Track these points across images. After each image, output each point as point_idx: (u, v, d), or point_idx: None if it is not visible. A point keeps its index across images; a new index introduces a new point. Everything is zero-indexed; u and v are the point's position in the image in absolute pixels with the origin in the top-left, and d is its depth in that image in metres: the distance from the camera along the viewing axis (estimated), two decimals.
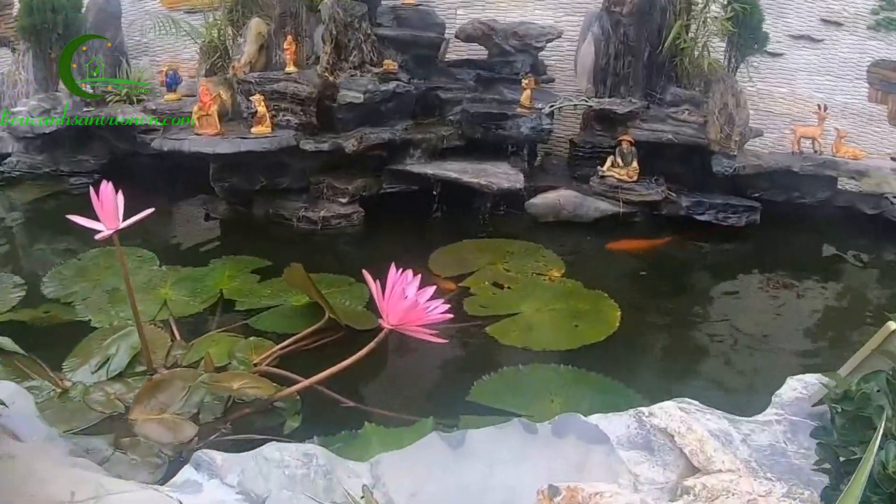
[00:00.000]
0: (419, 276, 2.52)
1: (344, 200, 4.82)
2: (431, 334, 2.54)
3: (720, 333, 3.69)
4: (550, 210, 4.96)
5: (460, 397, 2.93)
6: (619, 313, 3.61)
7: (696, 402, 2.14)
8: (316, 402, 2.81)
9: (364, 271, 2.63)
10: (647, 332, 3.68)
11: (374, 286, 2.56)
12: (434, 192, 4.90)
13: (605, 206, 4.94)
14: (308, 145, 4.69)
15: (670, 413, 2.01)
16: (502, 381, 3.04)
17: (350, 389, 2.90)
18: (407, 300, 2.49)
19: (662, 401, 2.11)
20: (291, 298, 3.65)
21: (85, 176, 5.48)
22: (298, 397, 2.80)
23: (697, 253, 4.81)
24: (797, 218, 5.14)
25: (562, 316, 3.60)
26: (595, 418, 2.04)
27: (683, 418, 1.99)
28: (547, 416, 2.15)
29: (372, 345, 2.60)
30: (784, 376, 2.25)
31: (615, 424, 2.01)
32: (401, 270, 2.50)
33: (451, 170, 4.85)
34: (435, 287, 2.59)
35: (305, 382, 2.80)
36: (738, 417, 2.08)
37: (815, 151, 5.16)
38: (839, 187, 5.21)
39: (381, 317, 2.57)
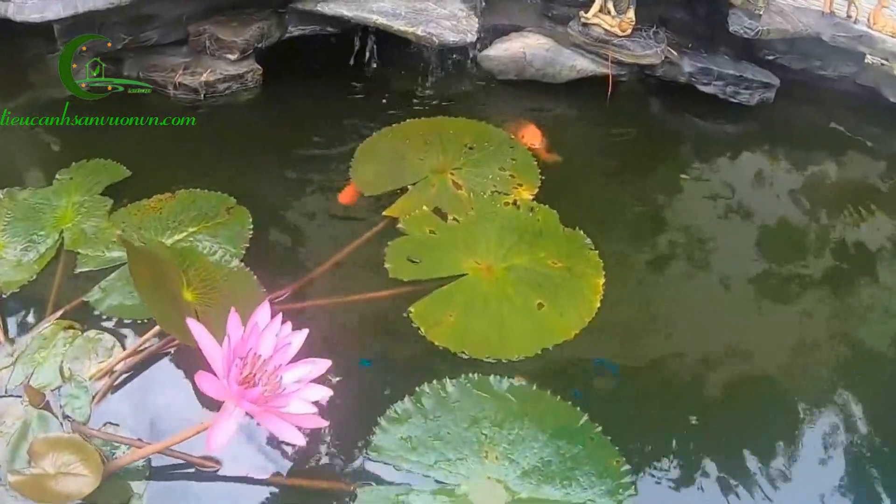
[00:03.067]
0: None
1: (233, 56, 3.51)
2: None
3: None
4: (513, 66, 3.76)
5: (361, 448, 2.10)
6: (601, 282, 2.71)
7: None
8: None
9: (189, 322, 1.71)
10: (644, 321, 2.72)
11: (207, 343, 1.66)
12: (356, 42, 3.64)
13: (585, 65, 3.76)
14: None
15: None
16: (417, 420, 2.16)
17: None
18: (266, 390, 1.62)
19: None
20: None
21: None
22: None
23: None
24: (812, 92, 4.13)
25: (522, 284, 2.67)
26: None
27: None
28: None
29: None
30: None
31: None
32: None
33: (379, 11, 3.51)
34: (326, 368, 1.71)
35: (148, 450, 2.00)
36: None
37: (849, 17, 4.00)
38: (867, 61, 4.15)
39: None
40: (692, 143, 3.83)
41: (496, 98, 3.74)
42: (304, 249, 2.89)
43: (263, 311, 1.80)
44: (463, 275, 2.68)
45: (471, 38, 3.47)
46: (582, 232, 2.90)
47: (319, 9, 3.54)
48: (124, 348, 2.30)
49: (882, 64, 4.16)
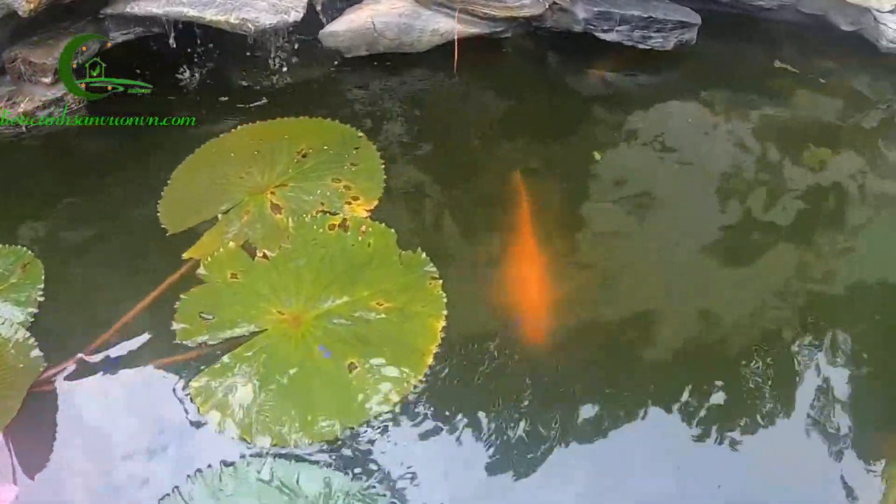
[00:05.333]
0: None
1: (48, 80, 2.96)
2: None
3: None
4: (361, 40, 3.13)
5: None
6: (440, 325, 2.14)
7: None
8: None
9: None
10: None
11: None
12: (171, 42, 3.03)
13: (450, 26, 3.10)
14: None
15: None
16: None
17: None
18: None
19: None
20: None
21: None
22: None
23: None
24: (747, 27, 3.46)
25: (334, 337, 2.11)
26: None
27: None
28: None
29: None
30: None
31: None
32: None
33: (190, 2, 2.88)
34: None
35: None
36: None
37: None
38: None
39: None
40: (601, 107, 3.16)
41: (346, 84, 3.12)
42: (98, 308, 2.38)
43: None
44: (262, 331, 2.14)
45: (294, 16, 2.85)
46: (424, 255, 2.32)
47: (130, 10, 2.96)
48: None
49: None
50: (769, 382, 2.13)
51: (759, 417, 2.05)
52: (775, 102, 3.20)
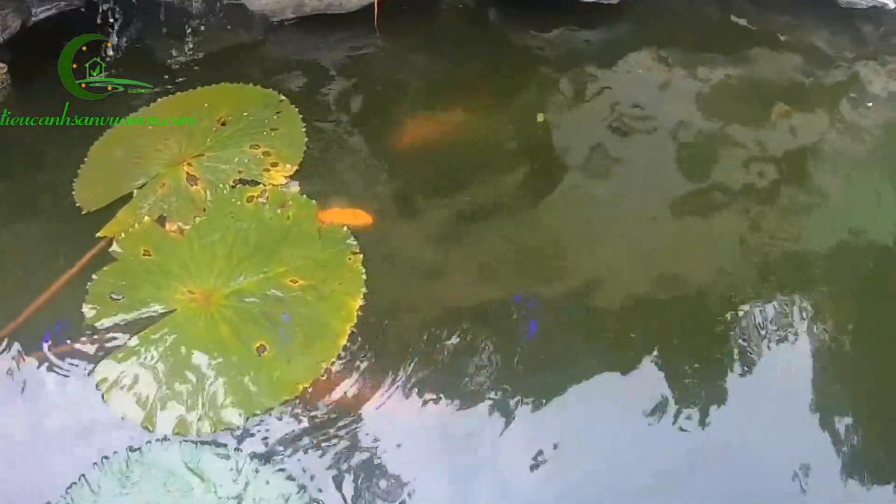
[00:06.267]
0: None
1: None
2: None
3: None
4: (287, 2, 2.95)
5: None
6: (357, 304, 2.05)
7: None
8: None
9: None
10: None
11: None
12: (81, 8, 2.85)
13: None
14: None
15: None
16: None
17: None
18: None
19: None
20: None
21: None
22: None
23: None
24: None
25: (244, 318, 2.02)
26: None
27: None
28: None
29: None
30: None
31: None
32: None
33: None
34: None
35: None
36: None
37: None
38: None
39: None
40: (547, 67, 3.01)
41: (270, 48, 2.96)
42: (8, 295, 2.27)
43: None
44: (171, 312, 2.05)
45: None
46: (344, 227, 2.22)
47: None
48: None
49: None
50: (731, 343, 2.09)
51: (718, 377, 2.02)
52: (732, 59, 3.05)
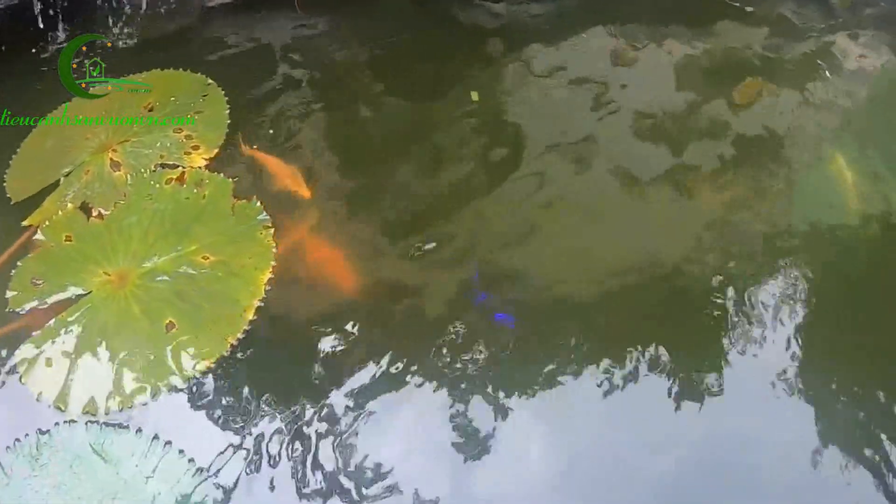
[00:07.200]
0: None
1: None
2: None
3: None
4: None
5: None
6: (265, 277, 2.07)
7: None
8: None
9: None
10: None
11: None
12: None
13: None
14: None
15: None
16: None
17: None
18: None
19: None
20: None
21: None
22: None
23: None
24: None
25: (155, 296, 2.07)
26: None
27: None
28: None
29: None
30: None
31: None
32: None
33: None
34: None
35: None
36: None
37: None
38: None
39: None
40: (490, 43, 2.96)
41: (202, 33, 2.98)
42: None
43: None
44: (87, 294, 2.10)
45: None
46: (258, 203, 2.25)
47: None
48: None
49: None
50: (706, 323, 2.07)
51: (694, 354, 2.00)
52: (697, 32, 2.95)
